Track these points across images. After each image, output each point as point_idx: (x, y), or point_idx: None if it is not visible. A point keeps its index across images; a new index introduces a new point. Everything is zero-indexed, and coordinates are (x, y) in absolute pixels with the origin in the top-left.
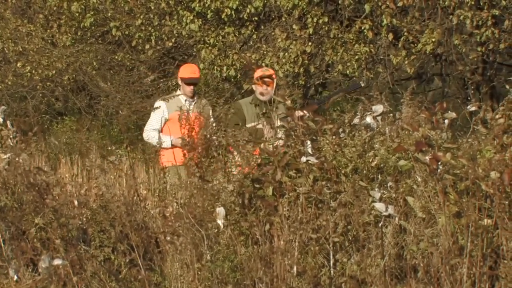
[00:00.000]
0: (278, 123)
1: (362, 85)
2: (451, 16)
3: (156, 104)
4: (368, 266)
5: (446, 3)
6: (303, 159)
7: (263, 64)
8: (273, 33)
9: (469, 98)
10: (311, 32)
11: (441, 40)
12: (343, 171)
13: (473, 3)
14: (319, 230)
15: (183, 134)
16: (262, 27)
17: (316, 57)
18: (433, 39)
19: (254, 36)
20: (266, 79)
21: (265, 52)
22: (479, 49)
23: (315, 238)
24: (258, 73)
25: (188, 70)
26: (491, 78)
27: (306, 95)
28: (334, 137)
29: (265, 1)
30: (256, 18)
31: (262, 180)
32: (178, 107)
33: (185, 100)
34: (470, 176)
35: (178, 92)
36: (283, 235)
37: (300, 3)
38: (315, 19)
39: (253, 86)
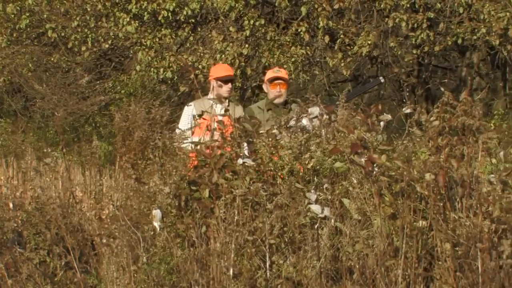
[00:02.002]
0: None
1: (382, 81)
2: (386, 19)
3: (186, 111)
4: (304, 268)
5: (382, 5)
6: (240, 161)
7: (200, 66)
8: (210, 35)
9: (404, 100)
10: (247, 34)
11: (377, 42)
12: (279, 173)
13: (408, 6)
14: (255, 232)
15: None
16: (199, 29)
17: (253, 59)
18: (369, 42)
19: (191, 38)
20: (279, 81)
21: (202, 54)
22: (414, 51)
23: (251, 240)
24: (269, 74)
25: (223, 69)
26: (426, 80)
27: (243, 97)
28: (270, 139)
29: (202, 3)
30: (193, 20)
31: (199, 182)
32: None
33: (216, 104)
34: (405, 178)
35: (210, 95)
36: (219, 237)
37: (236, 5)
38: (251, 21)
39: (265, 89)
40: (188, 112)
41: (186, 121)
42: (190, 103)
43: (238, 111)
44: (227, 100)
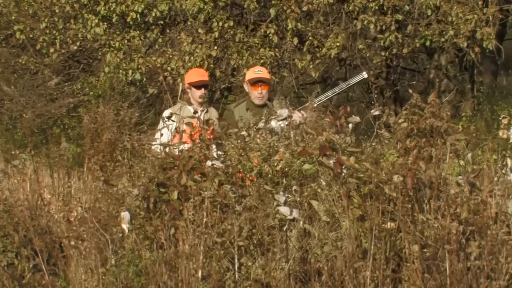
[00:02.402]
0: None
1: (366, 76)
2: (355, 21)
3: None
4: (272, 270)
5: (350, 8)
6: (209, 163)
7: (169, 68)
8: (178, 37)
9: (372, 102)
10: (216, 36)
11: (346, 44)
12: (248, 175)
13: (377, 8)
14: (224, 234)
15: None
16: (168, 31)
17: (222, 61)
18: (338, 44)
19: (160, 40)
20: (260, 83)
21: (170, 56)
22: (382, 53)
23: (220, 242)
24: (250, 74)
25: (196, 74)
26: (395, 83)
27: (212, 99)
28: (239, 141)
29: (171, 5)
30: (162, 22)
31: (167, 184)
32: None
33: (194, 112)
34: (373, 180)
35: (182, 101)
36: (188, 239)
37: (205, 7)
38: (220, 23)
39: (246, 89)
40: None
41: (167, 133)
42: (167, 111)
43: (213, 113)
44: (202, 105)
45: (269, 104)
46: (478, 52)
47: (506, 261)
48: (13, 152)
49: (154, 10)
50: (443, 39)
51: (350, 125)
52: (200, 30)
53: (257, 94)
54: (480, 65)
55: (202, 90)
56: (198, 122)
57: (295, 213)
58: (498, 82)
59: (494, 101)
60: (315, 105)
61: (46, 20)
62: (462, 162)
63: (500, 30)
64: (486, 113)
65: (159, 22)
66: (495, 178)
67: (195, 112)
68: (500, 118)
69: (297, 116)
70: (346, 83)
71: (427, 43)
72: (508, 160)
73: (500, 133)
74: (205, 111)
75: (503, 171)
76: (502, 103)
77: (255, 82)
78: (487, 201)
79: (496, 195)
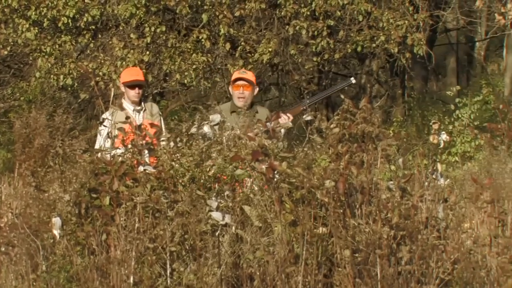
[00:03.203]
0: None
1: (353, 81)
2: (287, 27)
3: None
4: (204, 275)
5: (283, 13)
6: (141, 168)
7: (100, 73)
8: (110, 42)
9: (304, 108)
10: (148, 41)
11: (278, 50)
12: (180, 181)
13: (308, 13)
14: (156, 239)
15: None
16: (100, 35)
17: (154, 66)
18: (270, 49)
19: (91, 45)
20: (242, 82)
21: (102, 61)
22: (314, 59)
23: (152, 248)
24: (234, 75)
25: (129, 73)
26: (326, 88)
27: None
28: (171, 146)
29: (102, 10)
30: (93, 27)
31: (99, 189)
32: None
33: (133, 110)
34: (305, 185)
35: (122, 101)
36: (120, 245)
37: (137, 12)
38: (152, 28)
39: (230, 91)
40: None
41: (100, 138)
42: (104, 115)
43: (154, 109)
44: (140, 104)
45: (254, 108)
46: (409, 57)
47: (436, 265)
48: None
49: (86, 15)
50: (374, 45)
51: (282, 130)
52: (132, 35)
53: (238, 94)
54: (410, 70)
55: (136, 90)
56: (132, 126)
57: (227, 218)
58: (429, 88)
59: (424, 106)
60: (302, 108)
61: None
62: (393, 167)
63: (431, 36)
64: (416, 118)
65: (90, 27)
66: (426, 183)
67: (127, 117)
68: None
69: (283, 119)
70: (333, 88)
71: (359, 49)
72: (439, 165)
73: (431, 138)
74: (143, 110)
75: (434, 176)
76: (433, 108)
77: (236, 81)
78: (417, 206)
79: (427, 200)
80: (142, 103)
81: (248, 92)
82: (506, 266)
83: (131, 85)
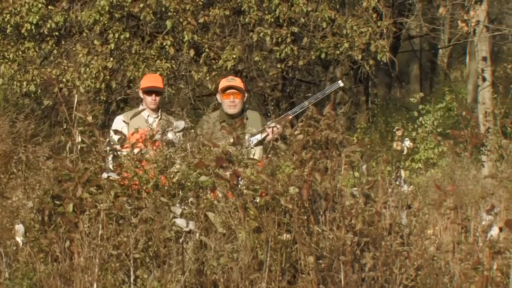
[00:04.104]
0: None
1: (341, 85)
2: (251, 33)
3: (115, 125)
4: (168, 282)
5: (247, 20)
6: (104, 175)
7: (64, 80)
8: (74, 49)
9: (269, 114)
10: (112, 48)
11: (242, 56)
12: (144, 187)
13: (272, 20)
14: (120, 246)
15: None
16: (63, 42)
17: (118, 72)
18: (234, 56)
19: (55, 51)
20: (232, 90)
21: (66, 68)
22: (278, 65)
23: (116, 255)
24: (222, 83)
25: (148, 79)
26: (291, 94)
27: (108, 111)
28: (135, 153)
29: (66, 16)
30: (57, 33)
31: (63, 196)
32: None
33: (148, 116)
34: (269, 192)
35: (140, 107)
36: (83, 252)
37: (101, 18)
38: (116, 35)
39: (219, 99)
40: (117, 125)
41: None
42: (119, 116)
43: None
44: (157, 112)
45: (245, 114)
46: (373, 64)
47: (400, 271)
48: None
49: (49, 21)
50: (338, 52)
51: (247, 137)
52: (96, 42)
53: (229, 103)
54: (374, 77)
55: (153, 96)
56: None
57: (191, 225)
58: (392, 94)
59: (388, 113)
60: (290, 117)
61: None
62: (357, 174)
63: (394, 43)
64: (380, 125)
65: (54, 34)
66: (389, 190)
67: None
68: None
69: (269, 136)
70: (322, 93)
71: (323, 56)
72: (402, 172)
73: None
74: (159, 118)
75: (397, 183)
76: (396, 115)
77: (226, 89)
78: (381, 213)
79: (390, 206)
80: (159, 112)
81: (238, 100)
82: (469, 272)
83: (148, 91)
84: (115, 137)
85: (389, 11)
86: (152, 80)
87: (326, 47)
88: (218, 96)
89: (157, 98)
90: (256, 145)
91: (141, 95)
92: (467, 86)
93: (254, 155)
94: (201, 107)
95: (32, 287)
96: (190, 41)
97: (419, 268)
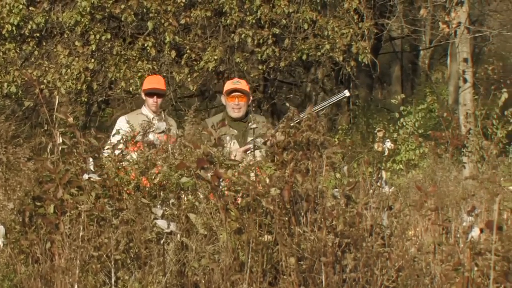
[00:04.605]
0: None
1: (348, 94)
2: (232, 35)
3: (118, 125)
4: (149, 284)
5: (228, 21)
6: (85, 176)
7: (45, 81)
8: (55, 50)
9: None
10: (93, 49)
11: (223, 57)
12: (125, 188)
13: (254, 22)
14: (101, 247)
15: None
16: (44, 43)
17: (99, 74)
18: (215, 57)
19: (36, 53)
20: (237, 93)
21: (47, 69)
22: (260, 67)
23: (97, 256)
24: (228, 85)
25: (150, 81)
26: (272, 96)
27: (89, 112)
28: (115, 154)
29: (47, 17)
30: (38, 34)
31: (44, 198)
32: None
33: (152, 119)
34: (251, 193)
35: (143, 108)
36: (64, 253)
37: (82, 19)
38: (97, 36)
39: (223, 102)
40: (120, 126)
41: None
42: (122, 117)
43: (171, 122)
44: (159, 114)
45: (249, 117)
46: (354, 66)
47: (381, 273)
48: None
49: (30, 22)
50: (319, 53)
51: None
52: (77, 43)
53: (234, 105)
54: (355, 78)
55: (154, 98)
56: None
57: (173, 226)
58: (373, 96)
59: (369, 114)
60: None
61: None
62: (338, 175)
63: (375, 44)
64: (361, 126)
65: (35, 35)
66: (371, 191)
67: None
68: (375, 131)
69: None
70: (328, 101)
71: (304, 57)
72: (383, 173)
73: (376, 146)
74: (162, 119)
75: (378, 184)
76: (377, 116)
77: (231, 92)
78: (362, 214)
79: (371, 207)
80: (162, 114)
81: (243, 103)
82: (450, 274)
83: (150, 93)
84: (115, 138)
85: (370, 12)
86: (154, 82)
87: (307, 48)
88: (222, 99)
89: (159, 100)
90: (256, 149)
91: (143, 96)
92: (448, 88)
93: (235, 156)
94: (183, 109)
95: None
96: (171, 42)
97: (400, 269)
